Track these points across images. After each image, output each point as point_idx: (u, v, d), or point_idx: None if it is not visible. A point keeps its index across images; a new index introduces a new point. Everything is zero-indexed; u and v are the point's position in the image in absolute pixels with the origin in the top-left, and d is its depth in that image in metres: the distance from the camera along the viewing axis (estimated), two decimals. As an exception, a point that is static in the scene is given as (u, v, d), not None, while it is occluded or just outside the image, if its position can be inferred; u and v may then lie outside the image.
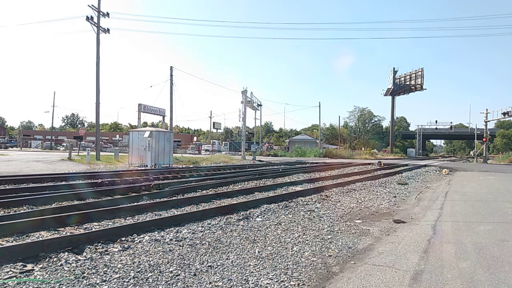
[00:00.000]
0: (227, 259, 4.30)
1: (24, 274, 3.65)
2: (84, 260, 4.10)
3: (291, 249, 4.76)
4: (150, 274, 3.72)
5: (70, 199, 8.11)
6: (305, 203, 8.59)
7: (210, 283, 3.54)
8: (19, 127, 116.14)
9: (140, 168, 18.53)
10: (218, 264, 4.10)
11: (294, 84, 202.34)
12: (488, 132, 40.31)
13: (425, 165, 26.70)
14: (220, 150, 57.70)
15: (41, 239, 4.71)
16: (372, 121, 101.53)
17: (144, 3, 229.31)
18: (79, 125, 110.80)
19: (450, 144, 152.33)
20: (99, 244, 4.68)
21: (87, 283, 3.45)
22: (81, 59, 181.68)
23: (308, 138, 69.78)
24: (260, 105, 51.02)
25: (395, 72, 76.45)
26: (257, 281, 3.60)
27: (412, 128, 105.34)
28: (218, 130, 67.33)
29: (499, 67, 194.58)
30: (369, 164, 28.75)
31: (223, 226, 5.97)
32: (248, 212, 7.14)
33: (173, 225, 5.82)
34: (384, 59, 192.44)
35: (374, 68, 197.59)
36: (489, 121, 39.63)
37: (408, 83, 75.17)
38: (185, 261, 4.17)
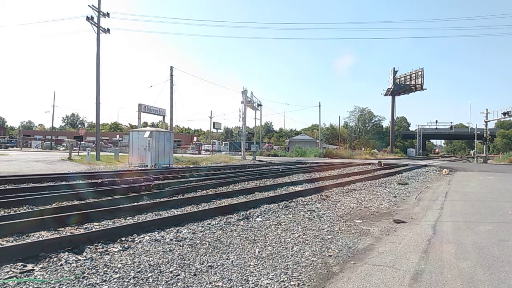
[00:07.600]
0: (227, 259, 4.29)
1: (24, 274, 3.65)
2: (84, 260, 4.10)
3: (291, 249, 4.76)
4: (150, 274, 3.72)
5: (70, 199, 8.11)
6: (305, 203, 8.59)
7: (210, 283, 3.55)
8: (19, 127, 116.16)
9: (140, 168, 18.53)
10: (218, 264, 4.10)
11: (294, 84, 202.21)
12: (488, 132, 40.35)
13: (425, 165, 26.70)
14: (220, 150, 57.70)
15: (41, 239, 4.71)
16: (372, 121, 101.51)
17: (144, 3, 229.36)
18: (79, 125, 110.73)
19: (450, 144, 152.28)
20: (99, 244, 4.68)
21: (87, 283, 3.45)
22: (81, 59, 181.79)
23: (308, 138, 69.79)
24: (260, 105, 51.03)
25: (395, 72, 76.44)
26: (257, 281, 3.60)
27: (412, 128, 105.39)
28: (218, 130, 67.29)
29: (499, 67, 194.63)
30: (369, 164, 28.75)
31: (223, 226, 5.97)
32: (248, 212, 7.14)
33: (173, 225, 5.82)
34: (384, 59, 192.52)
35: (374, 68, 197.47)
36: (489, 121, 39.64)
37: (408, 83, 75.17)
38: (185, 261, 4.17)
